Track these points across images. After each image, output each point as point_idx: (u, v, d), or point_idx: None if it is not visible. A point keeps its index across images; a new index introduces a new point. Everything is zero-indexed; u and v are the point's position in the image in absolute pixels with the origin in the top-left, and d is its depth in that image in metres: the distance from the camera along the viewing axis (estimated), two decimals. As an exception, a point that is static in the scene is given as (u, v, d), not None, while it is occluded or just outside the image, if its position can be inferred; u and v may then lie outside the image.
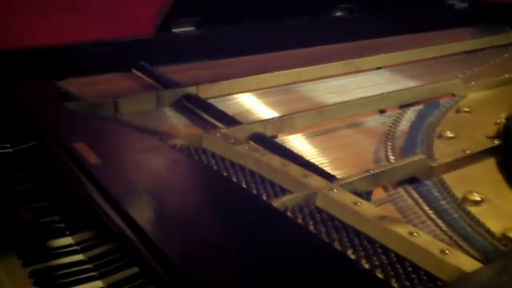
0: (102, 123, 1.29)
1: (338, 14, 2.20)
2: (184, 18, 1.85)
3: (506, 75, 1.75)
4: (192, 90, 1.53)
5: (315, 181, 1.04)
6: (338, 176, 1.13)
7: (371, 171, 1.09)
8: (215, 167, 1.13)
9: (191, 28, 1.87)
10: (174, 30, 1.85)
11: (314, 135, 1.36)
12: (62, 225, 1.15)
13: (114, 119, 1.39)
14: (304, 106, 1.53)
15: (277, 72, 1.67)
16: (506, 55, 2.09)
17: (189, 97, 1.50)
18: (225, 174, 1.11)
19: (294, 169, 1.08)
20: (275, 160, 1.11)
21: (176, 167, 1.08)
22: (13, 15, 1.99)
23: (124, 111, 1.43)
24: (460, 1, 2.50)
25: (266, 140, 1.27)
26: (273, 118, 1.34)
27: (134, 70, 1.71)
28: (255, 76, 1.64)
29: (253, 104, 1.55)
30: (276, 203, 0.97)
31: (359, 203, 0.97)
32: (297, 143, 1.32)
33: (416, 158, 1.16)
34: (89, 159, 1.08)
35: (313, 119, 1.39)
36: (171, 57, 1.80)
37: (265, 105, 1.55)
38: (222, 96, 1.58)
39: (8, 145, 1.35)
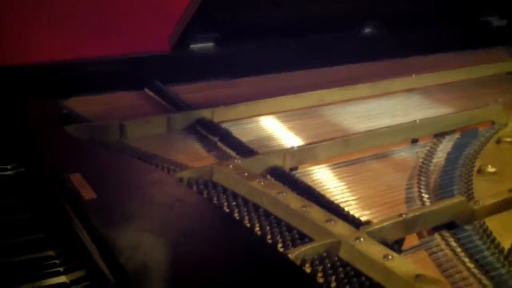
0: (103, 151, 1.17)
1: (365, 31, 2.06)
2: (202, 34, 1.73)
3: (551, 101, 1.59)
4: (206, 113, 1.40)
5: (339, 227, 0.90)
6: (364, 219, 0.99)
7: (404, 216, 0.95)
8: (225, 205, 1.00)
9: (209, 44, 1.76)
10: (191, 46, 1.73)
11: (338, 167, 1.23)
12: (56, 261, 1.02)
13: (119, 145, 1.27)
14: (328, 132, 1.40)
15: (298, 94, 1.54)
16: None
17: (202, 122, 1.38)
18: (236, 215, 0.97)
19: (315, 212, 0.94)
20: (293, 200, 0.98)
21: (180, 207, 0.95)
22: (24, 31, 1.91)
23: (131, 135, 1.31)
24: (497, 19, 2.34)
25: (284, 174, 1.14)
26: (292, 148, 1.21)
27: (147, 90, 1.60)
28: (274, 98, 1.51)
29: (272, 129, 1.42)
30: (294, 254, 0.84)
31: (390, 257, 0.83)
32: (319, 176, 1.18)
33: (455, 200, 1.01)
34: (83, 194, 0.96)
35: (338, 149, 1.26)
36: (187, 75, 1.69)
37: (285, 130, 1.42)
38: (239, 120, 1.45)
39: (8, 167, 1.24)
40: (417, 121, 1.37)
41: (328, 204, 1.01)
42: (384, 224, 0.92)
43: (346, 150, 1.27)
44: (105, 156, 1.13)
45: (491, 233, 0.99)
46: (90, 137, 1.26)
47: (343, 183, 1.17)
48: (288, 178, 1.12)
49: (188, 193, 1.01)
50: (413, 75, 1.73)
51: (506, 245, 0.96)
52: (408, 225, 0.96)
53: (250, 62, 1.80)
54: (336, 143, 1.25)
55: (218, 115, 1.42)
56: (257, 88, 1.70)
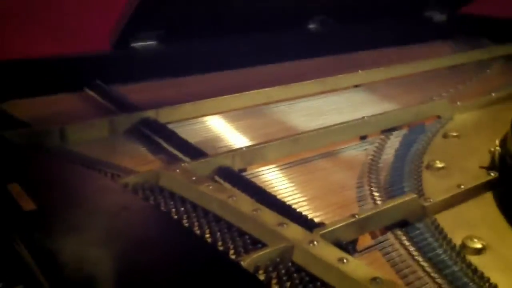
0: (43, 158, 1.11)
1: (312, 26, 2.05)
2: (145, 31, 1.68)
3: (493, 94, 1.61)
4: (151, 114, 1.36)
5: (292, 230, 0.88)
6: (317, 220, 0.97)
7: (357, 216, 0.94)
8: (173, 211, 0.96)
9: (152, 42, 1.70)
10: (133, 45, 1.67)
11: (287, 167, 1.21)
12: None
13: (60, 150, 1.21)
14: (276, 131, 1.38)
15: (246, 93, 1.51)
16: (488, 70, 1.96)
17: (147, 123, 1.33)
18: (185, 221, 0.94)
19: (267, 215, 0.92)
20: (244, 203, 0.95)
21: (126, 215, 0.90)
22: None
23: (72, 139, 1.25)
24: (438, 14, 2.37)
25: (233, 175, 1.11)
26: (241, 149, 1.18)
27: (87, 90, 1.53)
28: (221, 98, 1.47)
29: (219, 130, 1.38)
30: (246, 261, 0.81)
31: (345, 260, 0.81)
32: (269, 177, 1.16)
33: (407, 197, 1.01)
34: (22, 205, 0.90)
35: (288, 149, 1.23)
36: (130, 75, 1.63)
37: (233, 130, 1.39)
38: (185, 120, 1.41)
39: None
40: (365, 118, 1.36)
41: (280, 206, 0.98)
42: (338, 225, 0.91)
43: (296, 150, 1.24)
44: (46, 163, 1.07)
45: (442, 229, 0.99)
46: (29, 143, 1.20)
47: (293, 184, 1.15)
48: (237, 180, 1.10)
49: (134, 200, 0.96)
50: (359, 71, 1.72)
51: (457, 241, 0.96)
52: (362, 225, 0.94)
53: (195, 60, 1.76)
54: (285, 143, 1.23)
55: (163, 115, 1.37)
56: (203, 86, 1.66)
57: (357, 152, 1.30)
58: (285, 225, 0.89)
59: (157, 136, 1.26)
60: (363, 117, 1.36)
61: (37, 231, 0.85)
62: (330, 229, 0.90)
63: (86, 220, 0.90)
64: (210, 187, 1.00)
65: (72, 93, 1.53)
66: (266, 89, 1.54)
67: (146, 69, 1.67)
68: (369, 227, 0.96)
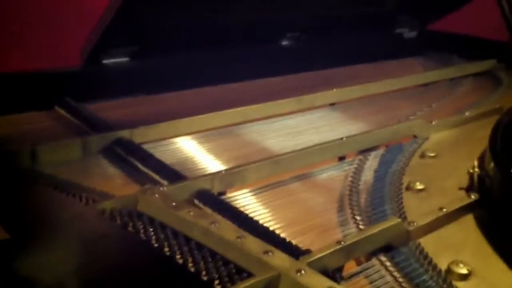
0: (13, 181, 1.07)
1: (285, 43, 2.04)
2: (116, 47, 1.64)
3: (467, 113, 1.62)
4: (125, 134, 1.32)
5: (278, 259, 0.86)
6: (300, 246, 0.95)
7: (343, 243, 0.92)
8: (153, 238, 0.93)
9: (124, 59, 1.67)
10: (104, 62, 1.63)
11: (266, 190, 1.18)
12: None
13: (32, 173, 1.16)
14: (254, 151, 1.37)
15: (221, 112, 1.49)
16: (459, 88, 1.98)
17: (121, 143, 1.29)
18: (166, 249, 0.90)
19: (251, 242, 0.89)
20: (227, 230, 0.92)
21: (105, 244, 0.87)
22: None
23: (44, 161, 1.20)
24: (408, 30, 2.40)
25: (213, 199, 1.08)
26: (221, 172, 1.15)
27: (57, 108, 1.49)
28: (196, 117, 1.44)
29: (194, 150, 1.36)
30: (233, 293, 0.78)
31: (335, 291, 0.79)
32: (248, 200, 1.13)
33: (391, 222, 0.99)
34: (-5, 234, 0.86)
35: (268, 171, 1.21)
36: (102, 92, 1.59)
37: (209, 151, 1.36)
38: (160, 140, 1.37)
39: None
40: (344, 138, 1.34)
41: (264, 233, 0.96)
42: (325, 253, 0.89)
43: (276, 171, 1.22)
44: (18, 188, 1.02)
45: (427, 254, 0.97)
46: (-3, 165, 1.15)
47: (273, 207, 1.12)
48: (218, 204, 1.07)
49: (113, 227, 0.93)
50: (334, 89, 1.72)
51: (442, 266, 0.95)
52: (348, 251, 0.92)
53: (168, 77, 1.74)
54: (265, 165, 1.21)
55: (138, 135, 1.34)
56: (177, 104, 1.64)
57: (336, 173, 1.29)
58: (270, 253, 0.86)
59: (133, 158, 1.23)
60: (341, 138, 1.34)
61: (11, 262, 0.81)
62: (317, 256, 0.87)
63: (62, 249, 0.87)
64: (191, 213, 0.97)
65: (41, 111, 1.48)
66: (242, 108, 1.52)
67: (119, 86, 1.64)
68: (355, 253, 0.94)
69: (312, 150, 1.29)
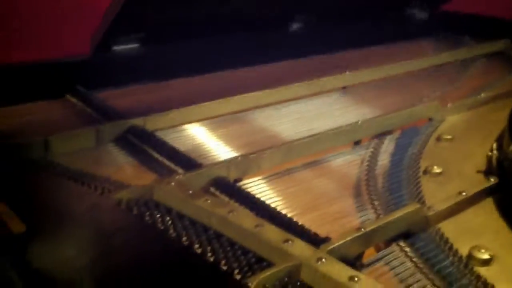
0: (29, 173, 1.06)
1: (294, 27, 2.01)
2: (125, 35, 1.62)
3: (482, 95, 1.60)
4: (138, 122, 1.31)
5: (298, 247, 0.85)
6: (320, 233, 0.94)
7: (363, 230, 0.90)
8: (171, 228, 0.92)
9: (134, 46, 1.65)
10: (114, 48, 1.62)
11: (282, 176, 1.17)
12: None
13: (46, 163, 1.15)
14: (266, 137, 1.36)
15: (233, 97, 1.47)
16: (472, 69, 1.96)
17: (135, 131, 1.28)
18: (184, 239, 0.89)
19: (271, 231, 0.88)
20: (246, 219, 0.91)
21: (122, 235, 0.86)
22: None
23: (57, 151, 1.19)
24: (419, 11, 2.36)
25: (230, 187, 1.07)
26: (237, 158, 1.14)
27: (68, 97, 1.47)
28: (208, 103, 1.43)
29: (207, 137, 1.34)
30: (254, 283, 0.77)
31: (356, 278, 0.78)
32: (265, 187, 1.12)
33: (411, 208, 0.98)
34: (11, 226, 0.85)
35: (283, 157, 1.20)
36: (112, 80, 1.58)
37: (222, 137, 1.35)
38: (173, 127, 1.36)
39: None
40: (359, 122, 1.33)
41: (282, 221, 0.95)
42: (344, 240, 0.87)
43: (291, 157, 1.21)
44: (32, 179, 1.01)
45: (447, 239, 0.96)
46: (11, 156, 1.14)
47: (289, 194, 1.11)
48: (235, 192, 1.06)
49: (130, 218, 0.92)
50: (346, 72, 1.69)
51: (463, 251, 0.94)
52: (368, 238, 0.91)
53: (179, 63, 1.71)
54: (280, 151, 1.20)
55: (151, 123, 1.33)
56: (188, 90, 1.62)
57: (352, 157, 1.27)
58: (290, 242, 0.85)
59: (147, 146, 1.22)
60: (357, 122, 1.33)
61: (29, 255, 0.81)
62: (337, 244, 0.86)
63: (79, 241, 0.86)
64: (208, 201, 0.96)
65: (53, 100, 1.46)
66: (254, 93, 1.50)
67: (129, 73, 1.62)
68: (375, 240, 0.93)
69: (326, 135, 1.27)
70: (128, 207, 0.96)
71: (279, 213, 0.98)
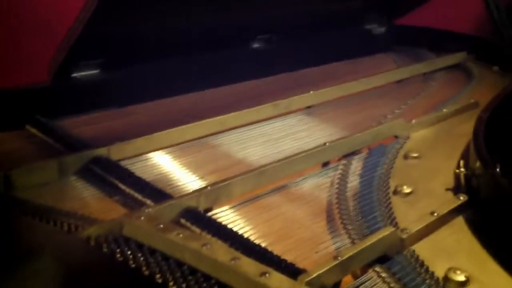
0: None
1: (255, 46, 2.01)
2: (86, 60, 1.59)
3: (445, 110, 1.62)
4: (102, 151, 1.27)
5: (276, 280, 0.83)
6: (293, 261, 0.93)
7: (339, 258, 0.90)
8: (143, 265, 0.89)
9: (94, 71, 1.62)
10: (74, 75, 1.58)
11: (252, 203, 1.15)
12: None
13: (6, 199, 1.11)
14: (234, 162, 1.35)
15: (200, 122, 1.45)
16: (433, 83, 1.98)
17: (99, 161, 1.24)
18: (158, 276, 0.87)
19: (247, 264, 0.86)
20: (220, 252, 0.89)
21: (96, 275, 0.83)
22: None
23: (18, 186, 1.15)
24: (377, 26, 2.39)
25: (202, 218, 1.05)
26: (206, 188, 1.12)
27: (28, 127, 1.43)
28: (174, 129, 1.40)
29: (174, 165, 1.31)
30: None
31: (338, 311, 0.77)
32: (236, 216, 1.10)
33: (386, 232, 0.98)
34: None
35: (253, 183, 1.18)
36: (73, 108, 1.54)
37: (188, 165, 1.32)
38: (138, 156, 1.33)
39: None
40: (327, 143, 1.32)
41: (258, 252, 0.93)
42: (323, 270, 0.86)
43: (262, 183, 1.20)
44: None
45: (423, 262, 0.96)
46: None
47: (261, 222, 1.09)
48: (206, 222, 1.03)
49: (99, 256, 0.89)
50: (311, 91, 1.69)
51: (439, 273, 0.94)
52: (345, 266, 0.90)
53: (140, 87, 1.69)
54: (250, 177, 1.18)
55: (115, 152, 1.29)
56: (150, 115, 1.60)
57: (321, 180, 1.27)
58: (267, 275, 0.84)
59: (113, 177, 1.18)
60: (324, 143, 1.32)
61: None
62: (315, 275, 0.85)
63: (48, 283, 0.82)
64: (181, 235, 0.93)
65: (12, 132, 1.42)
66: (220, 116, 1.48)
67: (90, 99, 1.58)
68: (352, 267, 0.92)
69: (296, 158, 1.26)
70: (98, 245, 0.92)
71: (253, 244, 0.97)
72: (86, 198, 1.16)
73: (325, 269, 0.87)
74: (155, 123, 1.51)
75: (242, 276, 0.84)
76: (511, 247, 1.00)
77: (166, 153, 1.36)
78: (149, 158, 1.34)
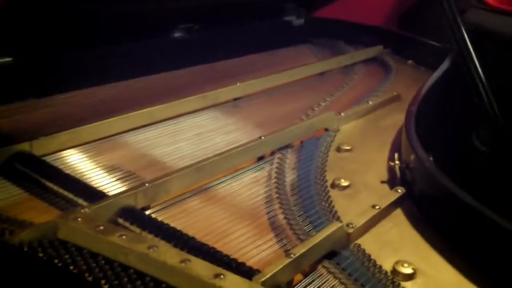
0: None
1: (177, 35, 1.95)
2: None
3: (370, 103, 1.64)
4: (24, 146, 1.18)
5: (232, 282, 0.80)
6: (239, 259, 0.90)
7: (292, 256, 0.88)
8: (86, 272, 0.83)
9: (7, 59, 1.50)
10: (-16, 63, 1.46)
11: (190, 198, 1.12)
12: None
13: None
14: (164, 156, 1.29)
15: (126, 115, 1.38)
16: (354, 76, 2.01)
17: (22, 158, 1.15)
18: (103, 282, 0.81)
19: (198, 266, 0.82)
20: (169, 254, 0.84)
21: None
22: None
23: None
24: (296, 18, 2.40)
25: (141, 217, 0.99)
26: (144, 185, 1.06)
27: None
28: (100, 122, 1.33)
29: (99, 161, 1.24)
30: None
31: (298, 311, 0.75)
32: (174, 214, 1.06)
33: (333, 227, 0.97)
34: None
35: (191, 179, 1.14)
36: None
37: (119, 159, 1.26)
38: (61, 151, 1.25)
39: None
40: (263, 137, 1.30)
41: (208, 253, 0.89)
42: (277, 269, 0.84)
43: (200, 178, 1.15)
44: None
45: (369, 256, 0.96)
46: None
47: (202, 218, 1.07)
48: (147, 221, 0.98)
49: (34, 262, 0.81)
50: (238, 83, 1.66)
51: (386, 266, 0.94)
52: (297, 264, 0.88)
53: (59, 76, 1.58)
54: (188, 173, 1.13)
55: (38, 147, 1.20)
56: (72, 107, 1.50)
57: (259, 174, 1.25)
58: (222, 276, 0.80)
59: (39, 175, 1.10)
60: (260, 137, 1.30)
61: None
62: (270, 274, 0.83)
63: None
64: (124, 236, 0.88)
65: None
66: (149, 109, 1.42)
67: (4, 89, 1.46)
68: (304, 264, 0.90)
69: (233, 152, 1.23)
70: (33, 250, 0.85)
71: (201, 243, 0.92)
72: (10, 198, 1.06)
73: (279, 268, 0.84)
74: (75, 115, 1.43)
75: (195, 279, 0.80)
76: (450, 239, 1.02)
77: (92, 148, 1.29)
78: (74, 154, 1.26)
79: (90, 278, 0.81)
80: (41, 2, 1.47)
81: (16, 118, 1.39)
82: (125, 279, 0.81)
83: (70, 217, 0.92)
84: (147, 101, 1.48)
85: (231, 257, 0.90)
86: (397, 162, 1.23)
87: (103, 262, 0.85)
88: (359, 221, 1.02)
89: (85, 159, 1.25)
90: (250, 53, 2.12)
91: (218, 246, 0.95)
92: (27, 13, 1.44)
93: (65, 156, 1.24)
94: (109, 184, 1.15)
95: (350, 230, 0.99)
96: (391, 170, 1.26)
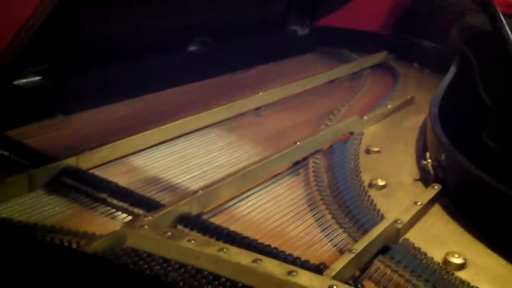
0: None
1: (193, 48, 2.00)
2: (27, 68, 1.50)
3: (389, 106, 1.70)
4: (70, 162, 1.21)
5: (305, 278, 0.84)
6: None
7: (354, 251, 0.92)
8: (162, 275, 0.86)
9: (36, 78, 1.53)
10: (15, 83, 1.49)
11: (238, 204, 1.16)
12: None
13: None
14: (203, 165, 1.32)
15: (159, 128, 1.42)
16: (365, 81, 2.07)
17: (69, 172, 1.19)
18: (181, 284, 0.85)
19: (270, 264, 0.87)
20: (240, 255, 0.88)
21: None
22: None
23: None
24: (300, 28, 2.46)
25: (201, 223, 1.03)
26: (197, 192, 1.10)
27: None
28: (135, 136, 1.36)
29: (142, 171, 1.28)
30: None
31: (374, 301, 0.79)
32: (227, 218, 1.10)
33: (386, 224, 1.02)
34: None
35: (238, 185, 1.18)
36: (17, 116, 1.44)
37: (161, 168, 1.30)
38: (104, 164, 1.29)
39: None
40: (297, 143, 1.35)
41: (272, 253, 0.93)
42: (344, 263, 0.89)
43: (245, 185, 1.20)
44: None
45: (419, 249, 1.01)
46: None
47: (254, 222, 1.10)
48: (205, 227, 1.02)
49: (122, 270, 0.85)
50: (260, 93, 1.71)
51: (437, 258, 0.99)
52: (359, 259, 0.93)
53: (83, 94, 1.62)
54: (236, 179, 1.18)
55: (84, 161, 1.24)
56: (95, 122, 1.54)
57: (295, 177, 1.29)
58: (294, 273, 0.85)
59: (91, 188, 1.13)
60: (295, 143, 1.35)
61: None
62: (339, 269, 0.87)
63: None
64: (192, 241, 0.92)
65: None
66: (181, 121, 1.46)
67: (35, 107, 1.50)
68: (364, 259, 0.95)
69: (272, 159, 1.27)
70: (108, 259, 0.88)
71: (264, 245, 0.97)
72: (66, 211, 1.10)
73: (345, 262, 0.89)
74: (102, 131, 1.46)
75: (270, 277, 0.84)
76: (491, 230, 1.08)
77: (132, 160, 1.32)
78: (115, 166, 1.29)
79: (169, 280, 0.85)
80: (67, 24, 1.51)
81: (51, 135, 1.42)
82: (203, 280, 0.85)
83: (136, 225, 0.96)
84: (167, 115, 1.52)
85: (294, 256, 0.94)
86: (429, 160, 1.28)
87: (177, 265, 0.88)
88: (406, 217, 1.07)
89: (127, 170, 1.28)
90: (260, 64, 2.17)
91: (277, 246, 0.99)
92: (55, 36, 1.48)
93: (108, 169, 1.27)
94: (155, 193, 1.19)
95: (399, 226, 1.04)
96: (422, 168, 1.31)
